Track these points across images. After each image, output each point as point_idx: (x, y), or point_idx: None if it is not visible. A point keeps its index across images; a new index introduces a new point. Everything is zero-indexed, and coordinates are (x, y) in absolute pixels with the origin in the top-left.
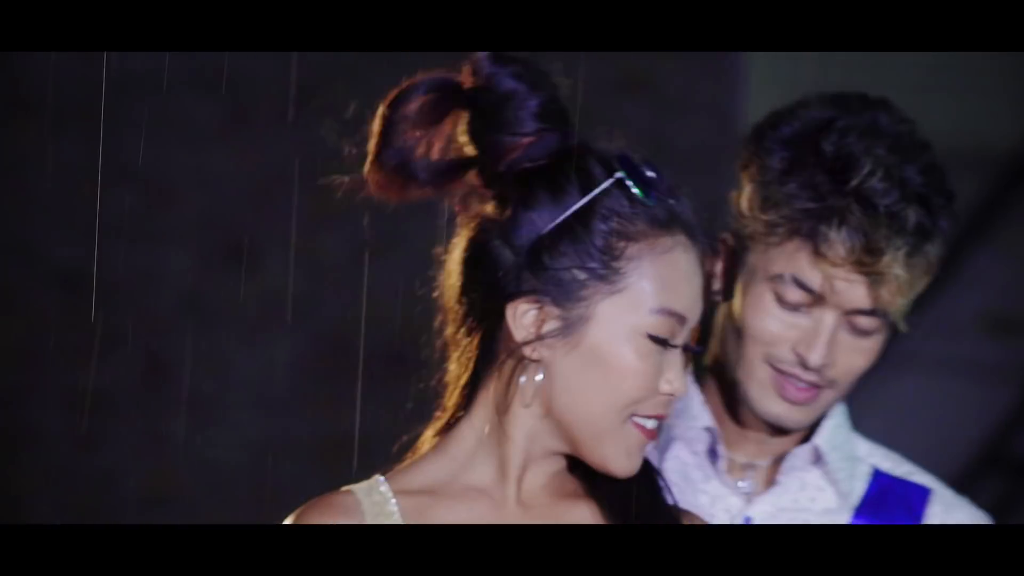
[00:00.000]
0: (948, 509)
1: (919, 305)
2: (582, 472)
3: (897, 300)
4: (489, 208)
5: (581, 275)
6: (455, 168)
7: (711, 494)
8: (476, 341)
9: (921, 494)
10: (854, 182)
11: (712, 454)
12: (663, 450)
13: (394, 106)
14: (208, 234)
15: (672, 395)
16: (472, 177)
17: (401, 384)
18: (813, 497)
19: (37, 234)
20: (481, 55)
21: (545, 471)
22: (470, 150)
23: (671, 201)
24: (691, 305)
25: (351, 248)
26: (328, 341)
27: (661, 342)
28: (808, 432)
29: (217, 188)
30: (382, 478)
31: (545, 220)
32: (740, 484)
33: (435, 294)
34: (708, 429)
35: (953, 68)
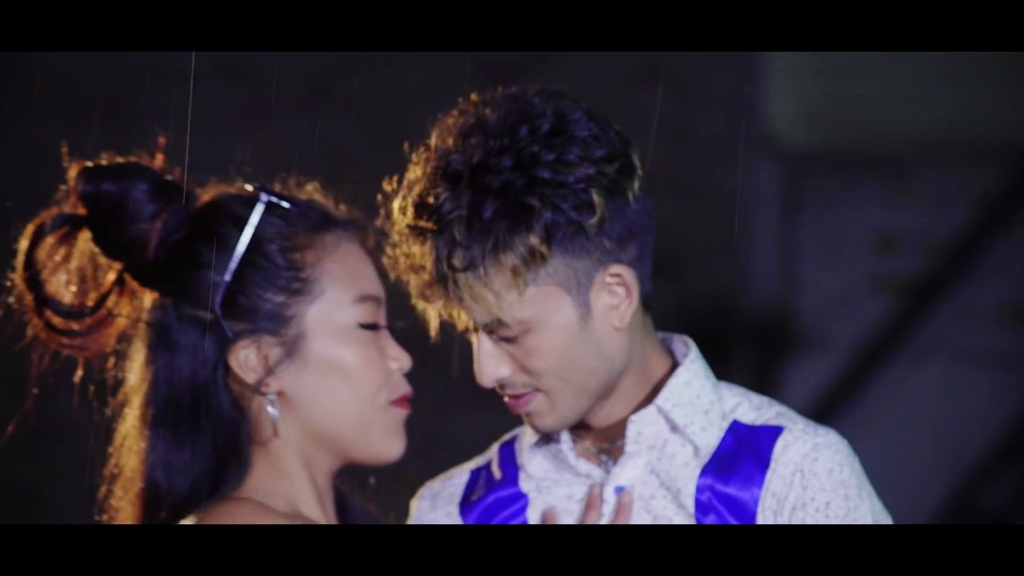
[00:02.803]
0: (789, 444)
1: (938, 295)
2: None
3: (491, 311)
4: (153, 295)
5: (279, 297)
6: (108, 293)
7: (580, 478)
8: (206, 409)
9: (772, 434)
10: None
11: (561, 450)
12: (511, 479)
13: (28, 262)
14: None
15: (402, 369)
16: (128, 295)
17: (419, 374)
18: (673, 454)
19: None
20: (72, 176)
21: (331, 498)
22: (112, 266)
23: (315, 204)
24: (378, 285)
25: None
26: None
27: (372, 327)
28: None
29: (235, 179)
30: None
31: (221, 271)
32: (603, 460)
33: (120, 398)
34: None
35: (974, 59)
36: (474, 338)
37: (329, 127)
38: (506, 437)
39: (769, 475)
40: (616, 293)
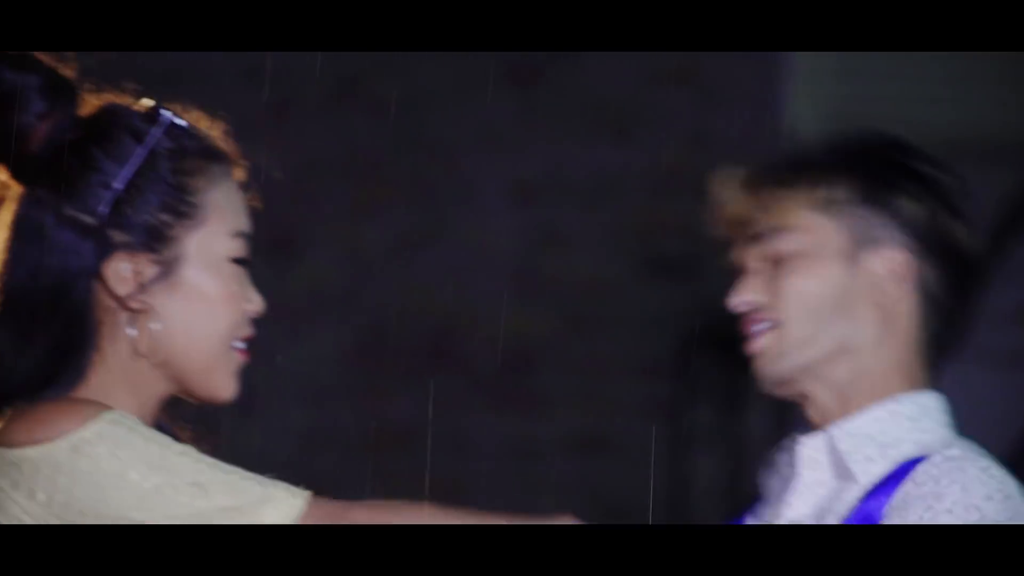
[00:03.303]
0: (929, 465)
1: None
2: None
3: (780, 216)
4: (32, 190)
5: (165, 216)
6: None
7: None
8: (61, 316)
9: (924, 458)
10: None
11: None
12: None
13: None
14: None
15: (255, 312)
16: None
17: (442, 374)
18: (844, 488)
19: None
20: None
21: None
22: None
23: (203, 133)
24: (249, 224)
25: (392, 240)
26: (370, 332)
27: (243, 262)
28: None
29: (259, 181)
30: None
31: (112, 178)
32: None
33: None
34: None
35: (996, 59)
36: (744, 261)
37: (352, 128)
38: None
39: (898, 488)
40: (891, 271)
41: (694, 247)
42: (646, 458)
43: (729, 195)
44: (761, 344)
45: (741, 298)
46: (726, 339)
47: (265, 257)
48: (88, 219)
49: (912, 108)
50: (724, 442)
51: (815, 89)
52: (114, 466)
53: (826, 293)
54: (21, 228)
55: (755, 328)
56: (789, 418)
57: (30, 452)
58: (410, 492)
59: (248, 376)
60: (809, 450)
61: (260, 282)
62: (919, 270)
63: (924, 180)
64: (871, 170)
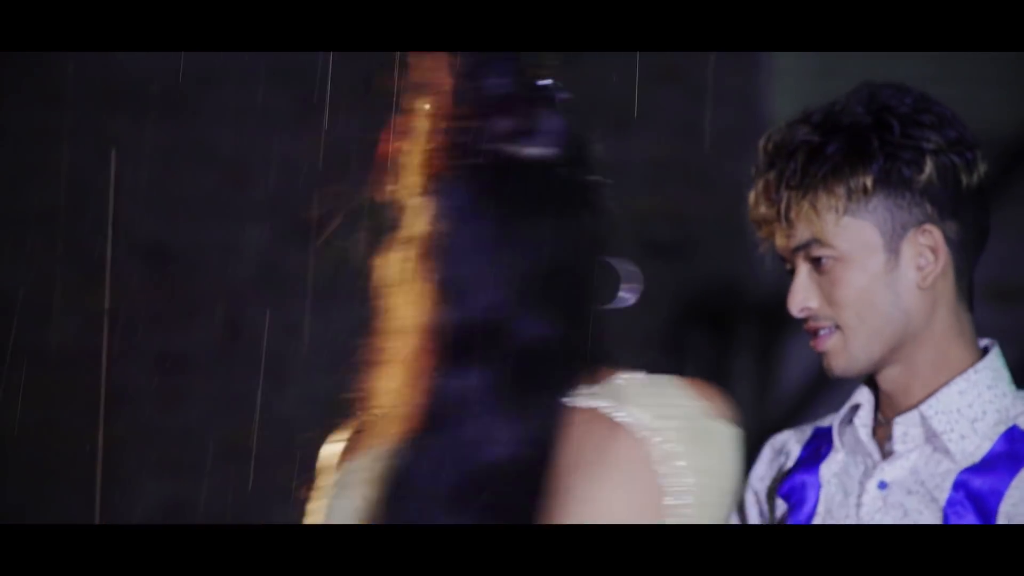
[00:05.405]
0: None
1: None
2: None
3: (810, 229)
4: None
5: None
6: None
7: (864, 464)
8: None
9: (1013, 429)
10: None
11: (855, 424)
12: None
13: None
14: (281, 210)
15: None
16: None
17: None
18: (938, 459)
19: (128, 211)
20: None
21: None
22: None
23: None
24: None
25: None
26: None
27: None
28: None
29: (289, 169)
30: None
31: None
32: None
33: None
34: (855, 406)
35: (977, 58)
36: (788, 257)
37: (369, 123)
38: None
39: (1020, 473)
40: (924, 253)
41: (685, 232)
42: None
43: (755, 203)
44: (826, 344)
45: (797, 305)
46: (713, 317)
47: (293, 240)
48: None
49: None
50: None
51: (796, 87)
52: None
53: (876, 293)
54: None
55: (817, 330)
56: (772, 391)
57: None
58: None
59: (278, 348)
60: (902, 427)
61: (292, 261)
62: (943, 230)
63: (926, 136)
64: (878, 146)
